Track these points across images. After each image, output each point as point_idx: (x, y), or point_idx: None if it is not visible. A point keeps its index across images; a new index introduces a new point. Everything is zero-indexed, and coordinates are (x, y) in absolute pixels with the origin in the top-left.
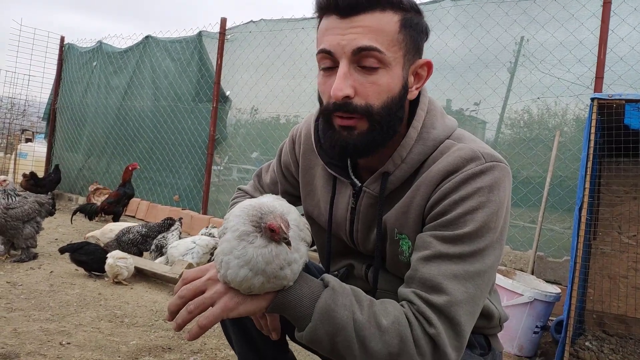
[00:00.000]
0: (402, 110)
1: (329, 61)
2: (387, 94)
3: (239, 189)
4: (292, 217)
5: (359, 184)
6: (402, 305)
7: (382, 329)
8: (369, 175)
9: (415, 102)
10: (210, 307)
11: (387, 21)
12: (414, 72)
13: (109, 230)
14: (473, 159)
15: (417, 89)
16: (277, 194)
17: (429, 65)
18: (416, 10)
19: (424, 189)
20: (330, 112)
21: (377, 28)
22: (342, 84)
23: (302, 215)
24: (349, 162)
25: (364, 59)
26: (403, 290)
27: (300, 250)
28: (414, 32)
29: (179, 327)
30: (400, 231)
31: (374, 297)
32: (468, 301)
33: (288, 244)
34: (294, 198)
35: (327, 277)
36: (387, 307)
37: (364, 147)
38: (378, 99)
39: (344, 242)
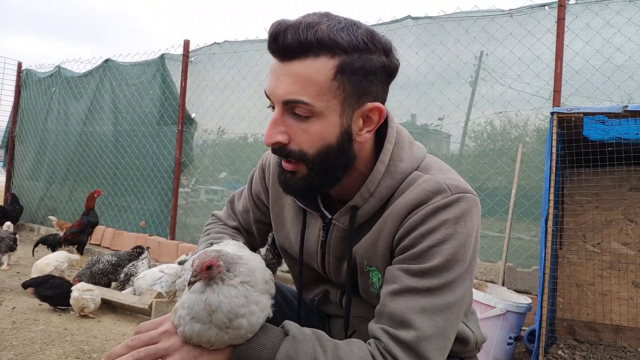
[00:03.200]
0: (345, 155)
1: (271, 102)
2: (321, 142)
3: (213, 214)
4: (258, 271)
5: (329, 217)
6: (369, 344)
7: None
8: (340, 206)
9: (383, 134)
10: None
11: (319, 69)
12: (363, 115)
13: (45, 264)
14: (439, 192)
15: (368, 132)
16: (249, 221)
17: (379, 110)
18: (362, 50)
19: (391, 222)
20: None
21: (306, 78)
22: (272, 131)
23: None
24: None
25: (294, 108)
26: (372, 326)
27: (260, 303)
28: (356, 76)
29: None
30: (369, 263)
31: (347, 324)
32: (438, 335)
33: (189, 283)
34: (266, 226)
35: (288, 324)
36: (352, 348)
37: (305, 190)
38: (311, 146)
39: (317, 271)
